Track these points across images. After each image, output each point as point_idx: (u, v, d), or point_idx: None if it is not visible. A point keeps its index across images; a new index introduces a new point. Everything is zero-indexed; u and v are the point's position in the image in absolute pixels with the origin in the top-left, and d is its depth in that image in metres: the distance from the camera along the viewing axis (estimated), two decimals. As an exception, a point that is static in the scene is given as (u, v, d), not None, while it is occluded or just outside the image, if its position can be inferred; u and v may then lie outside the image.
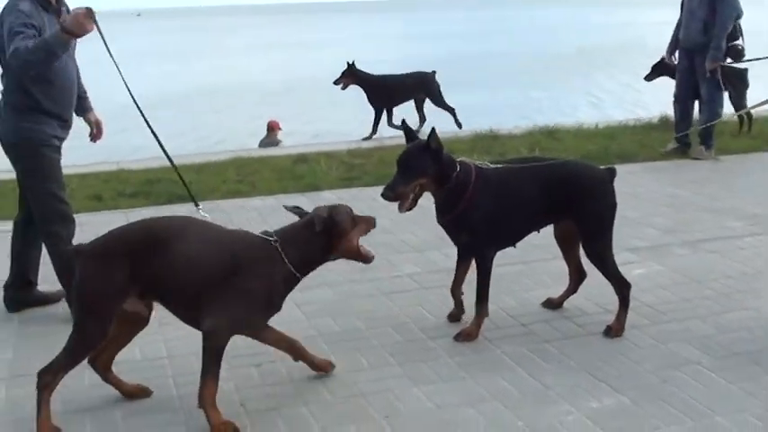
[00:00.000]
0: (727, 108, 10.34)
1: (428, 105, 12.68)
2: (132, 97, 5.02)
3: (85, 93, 5.45)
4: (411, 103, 12.58)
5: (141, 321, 4.11)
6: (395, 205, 4.60)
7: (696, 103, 9.73)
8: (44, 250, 5.32)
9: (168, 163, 5.05)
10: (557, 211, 4.82)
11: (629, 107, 18.67)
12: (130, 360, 4.46)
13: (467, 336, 4.78)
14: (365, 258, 4.13)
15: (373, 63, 14.73)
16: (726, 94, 9.82)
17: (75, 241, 5.17)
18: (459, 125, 12.36)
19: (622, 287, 4.85)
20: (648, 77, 10.89)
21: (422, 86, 12.42)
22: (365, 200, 7.25)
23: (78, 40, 4.84)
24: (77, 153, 8.56)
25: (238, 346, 4.22)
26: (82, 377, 4.21)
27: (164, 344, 4.80)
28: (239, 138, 16.08)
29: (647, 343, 4.69)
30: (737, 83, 10.09)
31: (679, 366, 4.38)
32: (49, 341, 4.75)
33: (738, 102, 10.34)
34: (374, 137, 11.93)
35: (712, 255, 6.17)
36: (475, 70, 29.63)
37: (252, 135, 15.38)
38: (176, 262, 3.80)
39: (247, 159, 9.81)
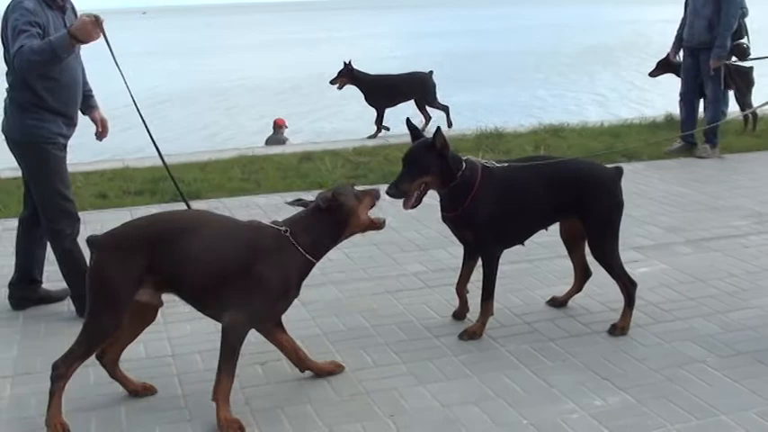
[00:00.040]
0: (733, 107, 10.34)
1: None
2: (132, 97, 5.05)
3: (91, 91, 5.46)
4: (411, 103, 12.54)
5: (150, 316, 4.14)
6: (400, 204, 4.61)
7: (702, 102, 9.71)
8: (49, 248, 5.33)
9: (173, 161, 5.07)
10: (563, 210, 4.82)
11: (635, 105, 18.67)
12: (135, 358, 4.47)
13: (472, 334, 4.78)
14: (377, 226, 4.19)
15: (383, 60, 14.73)
16: (731, 93, 9.81)
17: (80, 239, 5.19)
18: (450, 124, 12.32)
19: (628, 286, 4.85)
20: (653, 73, 10.87)
21: (419, 86, 12.40)
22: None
23: None
24: (83, 151, 8.58)
25: (243, 344, 4.22)
26: (87, 375, 4.22)
27: (168, 342, 4.82)
28: (246, 136, 16.12)
29: (652, 341, 4.69)
30: (742, 81, 10.06)
31: (684, 365, 4.38)
32: (54, 339, 4.78)
33: (743, 100, 10.31)
34: (379, 135, 11.93)
35: (717, 253, 6.16)
36: (481, 68, 29.67)
37: (258, 133, 15.41)
38: (193, 253, 3.84)
39: (252, 157, 9.81)
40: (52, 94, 4.94)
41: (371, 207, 4.17)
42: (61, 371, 3.82)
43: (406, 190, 4.52)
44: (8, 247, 5.89)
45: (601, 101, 21.47)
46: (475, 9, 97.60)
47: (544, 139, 10.51)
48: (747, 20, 9.32)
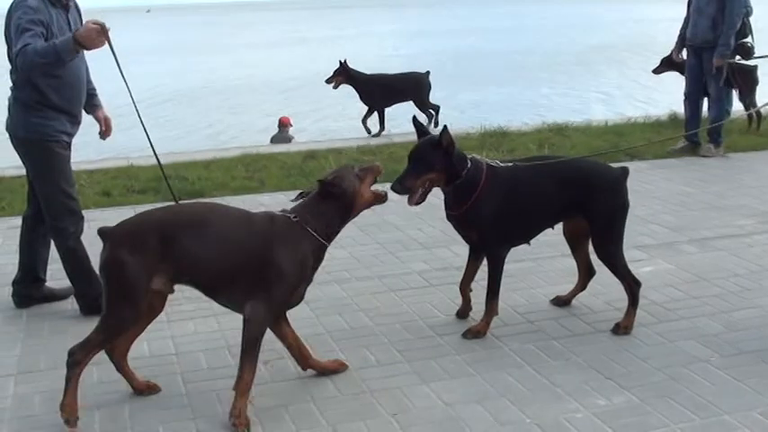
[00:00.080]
0: (737, 105, 10.32)
1: (434, 102, 12.67)
2: (131, 97, 5.06)
3: (94, 90, 5.46)
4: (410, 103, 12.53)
5: (159, 305, 4.13)
6: (404, 202, 4.61)
7: (705, 101, 9.69)
8: (53, 246, 5.33)
9: (177, 159, 5.08)
10: (568, 209, 4.82)
11: (640, 104, 18.64)
12: (139, 356, 4.47)
13: (475, 333, 4.78)
14: (381, 200, 4.22)
15: (388, 58, 14.72)
16: (735, 92, 9.79)
17: (84, 237, 5.20)
18: (436, 124, 12.29)
19: (632, 285, 4.84)
20: (657, 70, 10.87)
21: (414, 86, 12.40)
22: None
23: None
24: (87, 149, 8.57)
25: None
26: (90, 373, 4.22)
27: (171, 340, 4.82)
28: (251, 134, 16.11)
29: (655, 340, 4.68)
30: (745, 81, 10.03)
31: (687, 364, 4.38)
32: (58, 338, 4.79)
33: (747, 100, 10.29)
34: (383, 134, 11.93)
35: (721, 252, 6.15)
36: (486, 67, 29.63)
37: (263, 131, 15.41)
38: (208, 244, 3.84)
39: (256, 156, 9.82)
40: (56, 92, 4.95)
41: (375, 182, 4.19)
42: (78, 357, 3.83)
43: (410, 186, 4.52)
44: (12, 245, 5.89)
45: (605, 99, 21.40)
46: (480, 8, 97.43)
47: (548, 137, 10.51)
48: (752, 18, 9.29)
